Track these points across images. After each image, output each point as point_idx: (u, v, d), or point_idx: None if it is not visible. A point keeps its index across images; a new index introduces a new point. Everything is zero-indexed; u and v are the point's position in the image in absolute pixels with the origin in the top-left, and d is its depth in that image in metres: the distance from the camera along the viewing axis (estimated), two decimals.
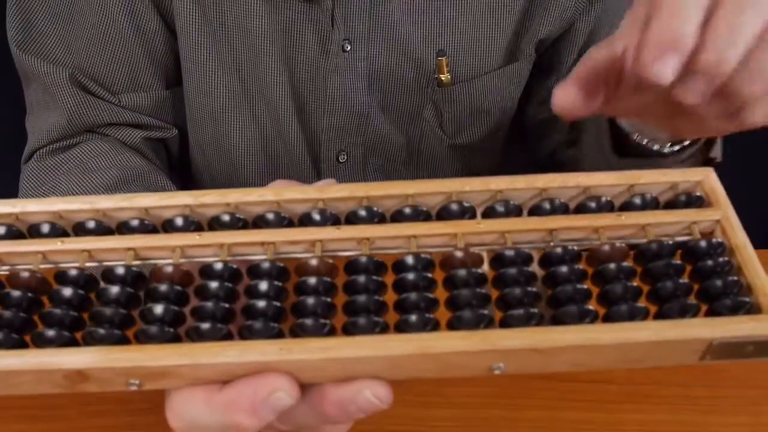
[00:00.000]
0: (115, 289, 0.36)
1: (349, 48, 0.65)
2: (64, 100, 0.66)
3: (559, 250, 0.37)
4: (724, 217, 0.39)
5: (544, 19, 0.69)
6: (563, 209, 0.40)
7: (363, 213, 0.40)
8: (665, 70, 0.37)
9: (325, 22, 0.64)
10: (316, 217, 0.39)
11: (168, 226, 0.40)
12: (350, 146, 0.70)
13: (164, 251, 0.39)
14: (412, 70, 0.68)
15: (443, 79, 0.67)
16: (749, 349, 0.35)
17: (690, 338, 0.34)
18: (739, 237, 0.38)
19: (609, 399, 0.51)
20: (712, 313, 0.36)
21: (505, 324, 0.35)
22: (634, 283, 0.36)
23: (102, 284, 0.37)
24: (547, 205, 0.39)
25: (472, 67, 0.69)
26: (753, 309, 0.35)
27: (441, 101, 0.69)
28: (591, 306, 0.35)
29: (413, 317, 0.35)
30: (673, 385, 0.52)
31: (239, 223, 0.39)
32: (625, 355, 0.35)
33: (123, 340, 0.35)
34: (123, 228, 0.39)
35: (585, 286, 0.36)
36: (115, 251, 0.39)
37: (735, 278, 0.36)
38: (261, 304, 0.36)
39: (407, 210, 0.40)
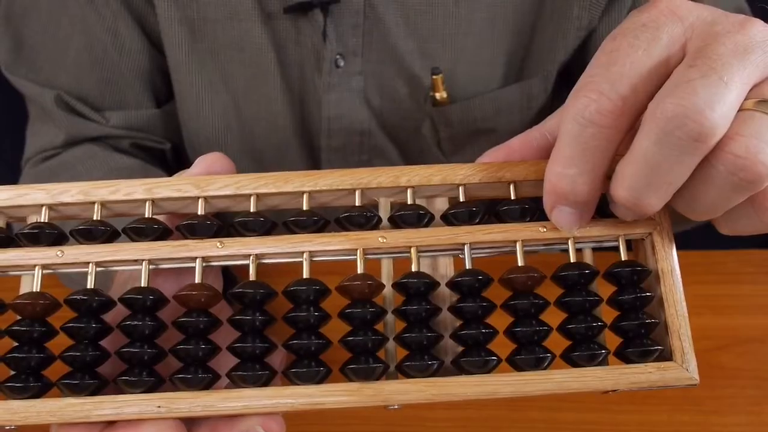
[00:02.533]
0: None
1: (342, 64, 0.61)
2: (54, 119, 0.64)
3: (468, 278, 0.33)
4: (657, 230, 0.34)
5: (560, 39, 0.59)
6: (481, 215, 0.35)
7: (250, 221, 0.34)
8: (562, 221, 0.33)
9: (317, 38, 0.60)
10: (196, 226, 0.34)
11: (26, 239, 0.34)
12: (352, 164, 0.65)
13: (24, 269, 0.34)
14: (407, 85, 0.62)
15: (438, 97, 0.60)
16: (653, 389, 0.34)
17: (593, 390, 0.33)
18: (667, 260, 0.34)
19: (609, 399, 0.50)
20: (621, 354, 0.34)
21: (402, 371, 0.33)
22: (545, 322, 0.34)
23: None
24: (463, 213, 0.35)
25: (473, 85, 0.63)
26: (664, 354, 0.33)
27: (437, 120, 0.63)
28: (494, 356, 0.33)
29: (303, 370, 0.32)
30: None
31: (106, 233, 0.34)
32: (523, 399, 0.33)
33: None
34: None
35: (491, 330, 0.33)
36: None
37: (651, 321, 0.33)
38: (136, 351, 0.32)
39: (302, 219, 0.34)
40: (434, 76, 0.60)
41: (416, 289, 0.34)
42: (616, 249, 0.35)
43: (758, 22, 0.30)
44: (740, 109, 0.29)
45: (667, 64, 0.30)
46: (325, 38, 0.60)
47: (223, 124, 0.65)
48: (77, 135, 0.65)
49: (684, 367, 0.33)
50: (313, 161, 0.68)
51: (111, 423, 0.33)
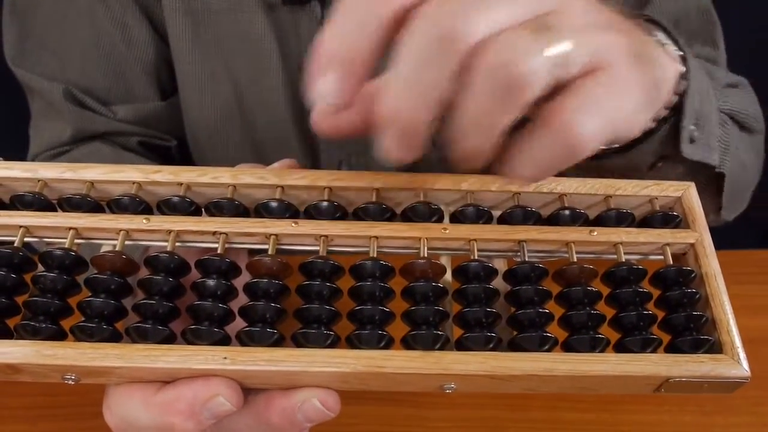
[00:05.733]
0: (52, 276, 0.34)
1: None
2: (61, 114, 0.65)
3: (526, 267, 0.36)
4: (698, 241, 0.37)
5: None
6: (535, 218, 0.38)
7: (324, 206, 0.37)
8: (322, 85, 0.30)
9: (316, 30, 0.61)
10: (273, 207, 0.37)
11: (114, 206, 0.37)
12: (350, 155, 0.68)
13: (109, 233, 0.36)
14: None
15: None
16: (704, 387, 0.34)
17: (647, 375, 0.33)
18: (711, 265, 0.36)
19: (610, 399, 0.50)
20: (672, 347, 0.35)
21: (461, 345, 0.34)
22: (598, 310, 0.35)
23: (39, 268, 0.35)
24: (518, 213, 0.38)
25: None
26: (714, 347, 0.34)
27: None
28: (551, 333, 0.34)
29: (366, 333, 0.34)
30: None
31: (191, 207, 0.37)
32: (579, 383, 0.34)
33: (58, 335, 0.33)
34: (65, 204, 0.37)
35: (547, 311, 0.35)
36: (56, 229, 0.36)
37: (700, 313, 0.35)
38: (208, 305, 0.34)
39: (371, 207, 0.37)
40: None
41: (476, 274, 0.36)
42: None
43: None
44: None
45: None
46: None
47: (225, 115, 0.65)
48: (85, 130, 0.64)
49: (735, 360, 0.34)
50: (312, 153, 0.67)
51: (166, 382, 0.33)
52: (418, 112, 0.30)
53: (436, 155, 0.67)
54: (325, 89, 0.31)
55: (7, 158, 0.38)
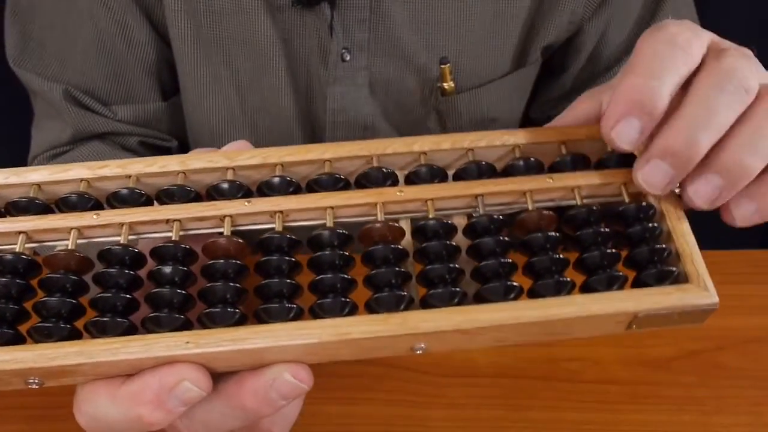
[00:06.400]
0: (4, 281, 0.33)
1: (348, 57, 0.63)
2: (61, 114, 0.65)
3: (484, 219, 0.35)
4: None
5: (553, 24, 0.64)
6: (490, 172, 0.37)
7: (276, 181, 0.37)
8: (625, 132, 0.34)
9: (324, 32, 0.62)
10: (225, 189, 0.36)
11: (62, 205, 0.36)
12: None
13: (60, 233, 0.36)
14: (414, 78, 0.65)
15: (446, 87, 0.64)
16: (675, 318, 0.34)
17: (615, 312, 0.33)
18: (669, 200, 0.36)
19: (610, 399, 0.50)
20: (638, 282, 0.35)
21: (426, 303, 0.34)
22: (561, 254, 0.35)
23: None
24: (473, 168, 0.37)
25: (477, 75, 0.66)
26: (680, 278, 0.34)
27: (444, 111, 0.66)
28: (515, 282, 0.34)
29: (329, 301, 0.33)
30: (674, 385, 0.51)
31: (141, 198, 0.36)
32: (549, 328, 0.34)
33: (15, 339, 0.33)
34: (11, 209, 0.36)
35: (510, 260, 0.34)
36: (5, 235, 0.35)
37: (662, 246, 0.35)
38: (165, 292, 0.33)
39: (324, 178, 0.37)
40: (443, 66, 0.62)
41: (435, 232, 0.35)
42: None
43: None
44: None
45: None
46: (332, 32, 0.61)
47: (227, 116, 0.65)
48: (85, 130, 0.65)
49: (702, 288, 0.34)
50: None
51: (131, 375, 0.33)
52: (702, 148, 0.33)
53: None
54: (627, 133, 0.34)
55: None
